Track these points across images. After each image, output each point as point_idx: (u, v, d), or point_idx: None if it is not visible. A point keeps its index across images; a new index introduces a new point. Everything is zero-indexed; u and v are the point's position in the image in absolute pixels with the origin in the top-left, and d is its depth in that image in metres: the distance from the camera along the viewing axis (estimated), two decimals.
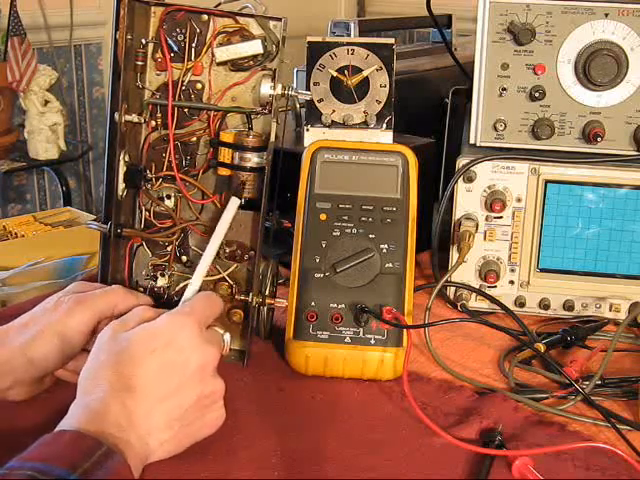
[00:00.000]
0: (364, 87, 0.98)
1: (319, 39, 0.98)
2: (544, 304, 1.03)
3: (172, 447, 0.71)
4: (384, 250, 0.89)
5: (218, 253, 0.89)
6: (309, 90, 0.97)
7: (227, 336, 0.79)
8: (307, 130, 0.99)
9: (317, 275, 0.89)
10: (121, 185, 0.90)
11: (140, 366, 0.69)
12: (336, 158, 0.92)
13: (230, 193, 0.89)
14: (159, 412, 0.69)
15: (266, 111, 0.89)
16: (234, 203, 0.88)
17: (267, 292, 0.90)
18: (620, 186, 0.99)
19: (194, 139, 0.91)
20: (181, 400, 0.70)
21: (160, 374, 0.70)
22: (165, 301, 0.92)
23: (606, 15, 0.97)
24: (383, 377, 0.88)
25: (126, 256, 0.93)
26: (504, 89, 1.01)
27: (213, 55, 0.89)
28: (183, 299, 0.81)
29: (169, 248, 0.93)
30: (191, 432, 0.72)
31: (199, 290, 0.83)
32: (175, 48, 0.90)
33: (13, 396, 0.79)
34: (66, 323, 0.78)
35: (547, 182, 1.00)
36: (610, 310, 1.02)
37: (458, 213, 1.03)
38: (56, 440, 0.62)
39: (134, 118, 0.89)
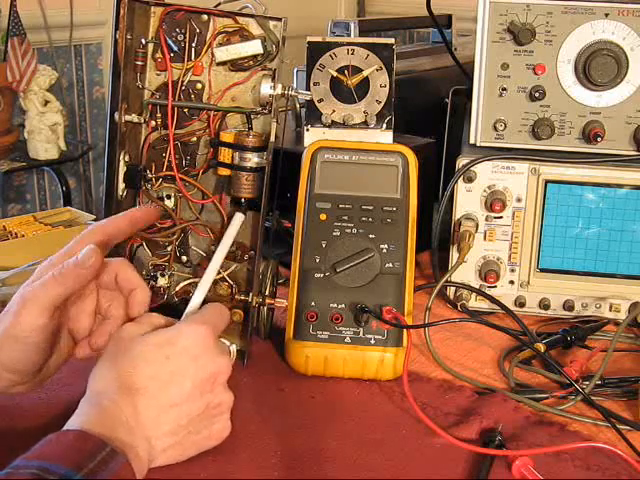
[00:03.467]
0: (364, 87, 0.98)
1: (319, 39, 0.99)
2: (544, 304, 1.03)
3: (176, 453, 0.71)
4: (384, 250, 0.89)
5: None
6: (309, 90, 0.97)
7: (233, 347, 0.79)
8: (307, 130, 0.99)
9: (317, 275, 0.89)
10: (121, 185, 0.90)
11: (153, 370, 0.69)
12: (336, 158, 0.92)
13: (233, 208, 0.89)
14: (168, 417, 0.69)
15: (266, 111, 0.89)
16: (239, 219, 0.88)
17: (267, 292, 0.90)
18: (620, 186, 0.99)
19: (194, 139, 0.91)
20: (190, 407, 0.70)
21: (173, 380, 0.70)
22: (165, 302, 0.93)
23: (606, 15, 0.97)
24: (383, 377, 0.88)
25: (126, 256, 0.93)
26: (504, 89, 1.01)
27: (213, 55, 0.89)
28: (187, 311, 0.80)
29: (169, 248, 0.93)
30: (196, 441, 0.72)
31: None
32: (175, 48, 0.90)
33: (11, 391, 0.77)
34: (18, 326, 0.74)
35: (547, 182, 1.00)
36: (610, 310, 1.02)
37: (458, 213, 1.03)
38: (60, 440, 0.62)
39: (134, 118, 0.89)
